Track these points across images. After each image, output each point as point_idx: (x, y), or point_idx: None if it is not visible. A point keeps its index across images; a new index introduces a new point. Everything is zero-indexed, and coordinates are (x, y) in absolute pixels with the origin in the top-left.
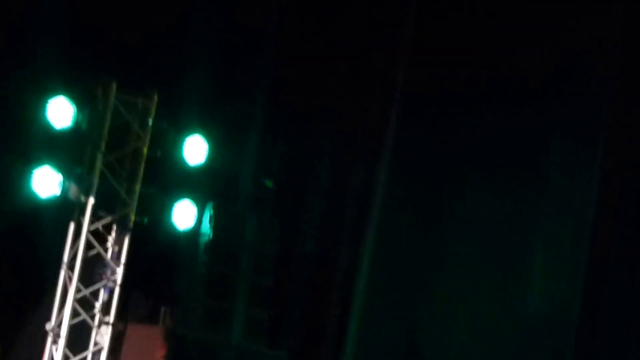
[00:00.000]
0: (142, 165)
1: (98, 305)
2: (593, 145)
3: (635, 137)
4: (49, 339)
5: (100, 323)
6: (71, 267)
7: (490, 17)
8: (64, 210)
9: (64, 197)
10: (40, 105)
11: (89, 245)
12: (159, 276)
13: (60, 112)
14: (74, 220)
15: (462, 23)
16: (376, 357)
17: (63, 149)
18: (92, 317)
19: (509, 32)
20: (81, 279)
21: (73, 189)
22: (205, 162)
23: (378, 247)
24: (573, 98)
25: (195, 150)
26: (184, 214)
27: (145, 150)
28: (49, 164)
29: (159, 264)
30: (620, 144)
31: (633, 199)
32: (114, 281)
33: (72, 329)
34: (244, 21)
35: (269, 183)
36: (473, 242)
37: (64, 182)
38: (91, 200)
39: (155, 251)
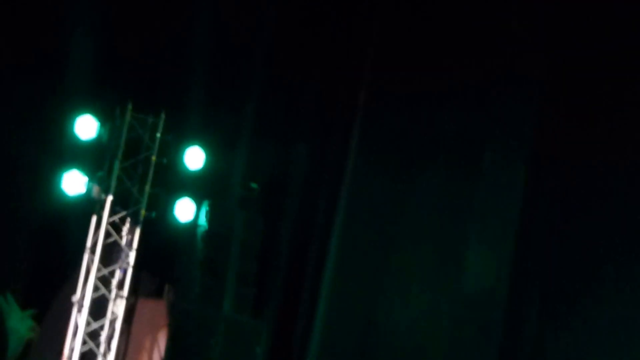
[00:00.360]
0: (151, 170)
1: (114, 282)
2: (521, 144)
3: (557, 135)
4: (75, 309)
5: (116, 297)
6: (93, 251)
7: (440, 28)
8: (88, 205)
9: (88, 195)
10: (70, 121)
11: (107, 234)
12: (163, 260)
13: (86, 127)
14: (95, 214)
15: (417, 36)
16: (341, 327)
17: (88, 157)
18: (110, 291)
19: (454, 41)
20: (101, 261)
21: (95, 189)
22: (203, 167)
23: (343, 238)
24: (505, 101)
25: (194, 158)
26: (185, 210)
27: (153, 158)
28: (76, 168)
29: (164, 250)
30: (544, 143)
31: (555, 194)
32: (128, 263)
33: (93, 301)
34: (233, 52)
35: (254, 185)
36: (421, 229)
37: (88, 183)
38: (110, 198)
39: (161, 239)
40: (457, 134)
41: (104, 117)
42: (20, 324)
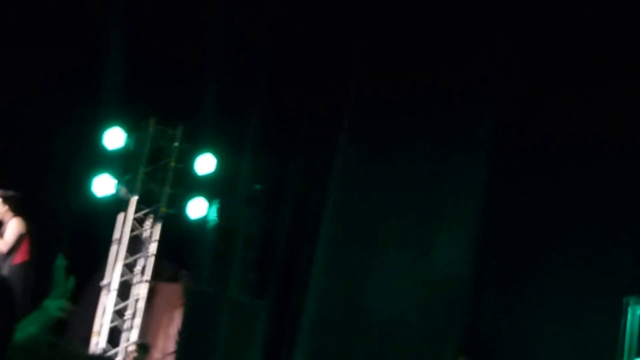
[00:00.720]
0: (171, 174)
1: (138, 268)
2: (482, 143)
3: (513, 135)
4: (104, 291)
5: (139, 281)
6: (120, 242)
7: (414, 46)
8: (116, 204)
9: (116, 195)
10: (101, 132)
11: (132, 228)
12: (180, 249)
13: (115, 137)
14: (122, 211)
15: (395, 53)
16: (329, 305)
17: (116, 162)
18: (134, 276)
19: (426, 56)
20: (127, 250)
21: (123, 190)
22: (214, 171)
23: (332, 228)
24: (468, 105)
25: (206, 163)
26: (198, 207)
27: (173, 163)
28: (107, 172)
29: (180, 241)
30: (502, 142)
31: (512, 187)
32: (149, 252)
33: (120, 285)
34: (239, 72)
35: (258, 186)
36: (398, 220)
37: (117, 185)
38: (135, 198)
39: (178, 232)
40: (428, 135)
41: (131, 128)
42: (51, 303)
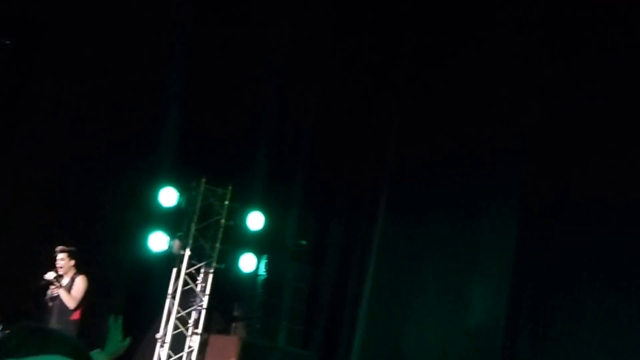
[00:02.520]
0: (221, 231)
1: (191, 321)
2: (512, 201)
3: (541, 192)
4: (158, 344)
5: (192, 333)
6: (173, 296)
7: (443, 111)
8: (170, 259)
9: (169, 251)
10: (156, 191)
11: (185, 283)
12: (231, 303)
13: (168, 196)
14: (175, 266)
15: (426, 121)
16: (374, 355)
17: (169, 220)
18: (187, 329)
19: (456, 120)
20: (180, 304)
21: (176, 246)
22: (262, 228)
23: (375, 284)
24: (497, 167)
25: (255, 220)
26: (248, 262)
27: (223, 221)
28: (160, 229)
29: (231, 295)
30: (531, 200)
31: (541, 242)
32: (201, 306)
33: (174, 337)
34: (285, 138)
35: (303, 242)
36: (435, 274)
37: (169, 241)
38: (187, 253)
39: (228, 286)
40: (460, 196)
41: (183, 188)
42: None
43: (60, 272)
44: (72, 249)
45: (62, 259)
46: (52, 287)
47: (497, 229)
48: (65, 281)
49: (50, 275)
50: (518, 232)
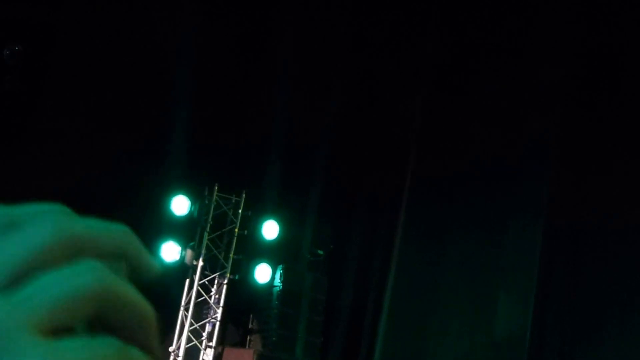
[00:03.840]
0: (234, 240)
1: (204, 334)
2: (537, 213)
3: (566, 204)
4: (172, 357)
5: (206, 347)
6: (186, 308)
7: (464, 121)
8: (182, 270)
9: (182, 262)
10: (167, 200)
11: (198, 294)
12: (246, 315)
13: (180, 205)
14: (188, 277)
15: (448, 131)
16: None
17: (181, 230)
18: (201, 342)
19: (477, 131)
20: (193, 316)
21: (188, 256)
22: (277, 237)
23: (394, 295)
24: (523, 179)
25: (270, 229)
26: (263, 273)
27: (236, 230)
28: (172, 239)
29: (246, 306)
30: (556, 211)
31: (566, 252)
32: (215, 318)
33: (187, 350)
34: (301, 144)
35: (320, 252)
36: (459, 286)
37: (182, 251)
38: (200, 264)
39: (243, 298)
40: (485, 208)
41: (195, 197)
42: None
43: None
44: None
45: None
46: None
47: (522, 239)
48: None
49: None
50: (543, 244)
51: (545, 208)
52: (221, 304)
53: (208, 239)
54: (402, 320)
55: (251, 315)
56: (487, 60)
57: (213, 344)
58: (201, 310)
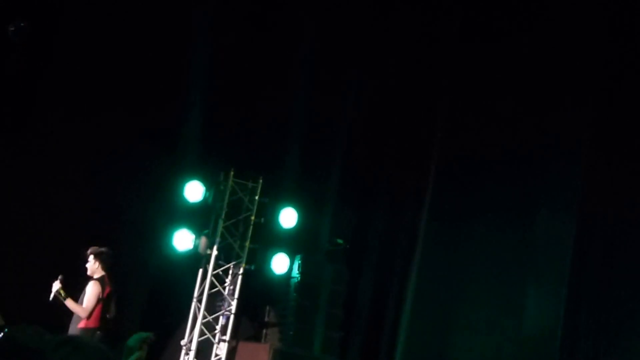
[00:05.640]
0: (250, 228)
1: (218, 327)
2: (570, 201)
3: (601, 191)
4: (183, 351)
5: (220, 340)
6: (199, 300)
7: (494, 104)
8: (195, 259)
9: (195, 250)
10: (181, 186)
11: (212, 285)
12: (261, 307)
13: (194, 191)
14: (201, 267)
15: (476, 115)
16: None
17: (195, 217)
18: (214, 336)
19: (508, 113)
20: (206, 309)
21: (202, 245)
22: (295, 226)
23: (418, 288)
24: (555, 164)
25: (288, 218)
26: (280, 263)
27: (253, 218)
28: (185, 227)
29: (261, 299)
30: (591, 199)
31: (600, 243)
32: (230, 310)
33: (200, 344)
34: (321, 129)
35: (340, 241)
36: (486, 277)
37: (195, 240)
38: (214, 253)
39: (259, 289)
40: (514, 195)
41: (210, 182)
42: None
43: (88, 273)
44: (99, 250)
45: (89, 261)
46: (59, 301)
47: (554, 228)
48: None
49: (55, 286)
50: (576, 233)
51: (579, 196)
52: (236, 295)
53: (223, 227)
54: (425, 315)
55: (267, 308)
56: (521, 42)
57: (227, 337)
58: (215, 302)
